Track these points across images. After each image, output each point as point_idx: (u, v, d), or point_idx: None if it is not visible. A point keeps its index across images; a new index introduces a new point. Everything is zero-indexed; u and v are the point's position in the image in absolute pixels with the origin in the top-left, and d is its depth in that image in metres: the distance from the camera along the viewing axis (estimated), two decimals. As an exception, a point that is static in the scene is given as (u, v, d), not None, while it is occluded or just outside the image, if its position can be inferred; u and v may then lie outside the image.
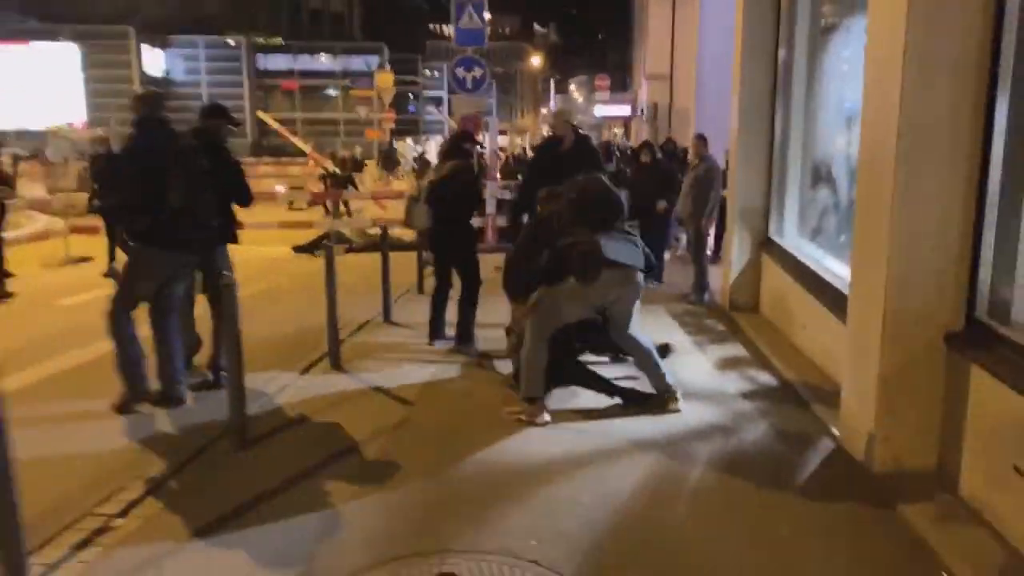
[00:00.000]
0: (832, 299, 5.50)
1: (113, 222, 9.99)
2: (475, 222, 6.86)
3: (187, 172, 4.77)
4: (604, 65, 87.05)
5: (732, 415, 4.88)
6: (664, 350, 5.83)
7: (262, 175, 27.77)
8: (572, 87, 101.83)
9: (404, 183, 26.11)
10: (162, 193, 4.65)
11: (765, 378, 5.70)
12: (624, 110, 34.21)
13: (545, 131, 76.78)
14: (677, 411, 4.84)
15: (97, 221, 10.77)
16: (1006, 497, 3.24)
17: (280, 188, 20.61)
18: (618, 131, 47.41)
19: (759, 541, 3.29)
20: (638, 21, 46.32)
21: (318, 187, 19.49)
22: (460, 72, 12.70)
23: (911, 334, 3.73)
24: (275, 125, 28.90)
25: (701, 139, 9.26)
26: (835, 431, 4.42)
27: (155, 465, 4.15)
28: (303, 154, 31.94)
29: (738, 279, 8.18)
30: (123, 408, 4.90)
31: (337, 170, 19.71)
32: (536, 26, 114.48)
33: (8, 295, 9.34)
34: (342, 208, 18.15)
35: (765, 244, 8.04)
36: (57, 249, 12.21)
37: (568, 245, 4.55)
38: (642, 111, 32.78)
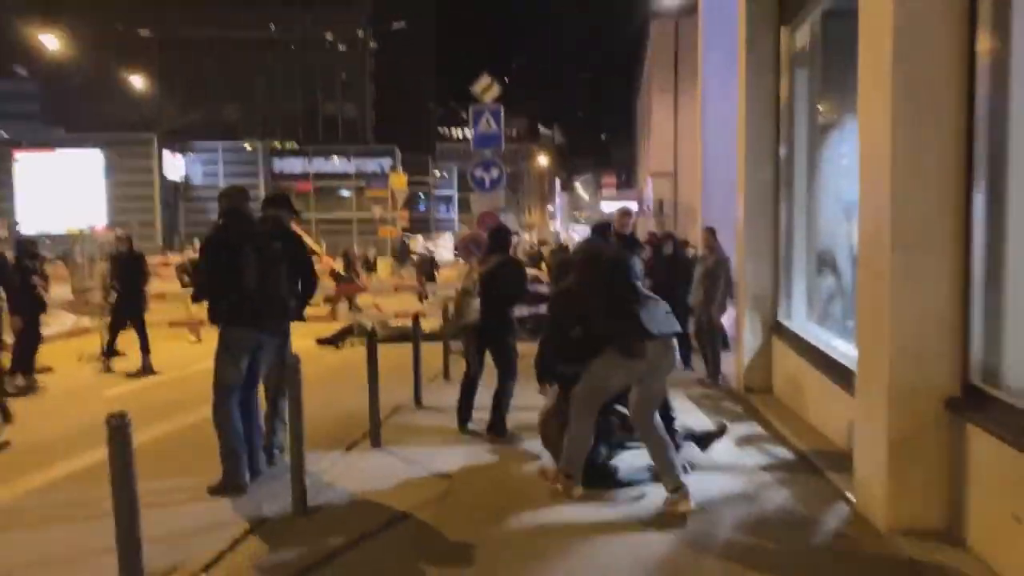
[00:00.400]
0: (841, 376, 5.89)
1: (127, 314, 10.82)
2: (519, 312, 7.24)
3: (261, 255, 5.19)
4: (608, 163, 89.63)
5: (753, 485, 5.20)
6: (720, 431, 5.96)
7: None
8: (577, 185, 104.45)
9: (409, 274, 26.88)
10: (241, 275, 5.08)
11: (782, 452, 6.03)
12: (631, 206, 35.17)
13: (553, 227, 78.04)
14: (684, 514, 4.60)
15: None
16: (1009, 546, 3.57)
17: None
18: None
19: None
20: (640, 121, 48.18)
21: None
22: (479, 173, 13.46)
23: (914, 402, 4.12)
24: (300, 233, 30.08)
25: (711, 232, 9.82)
26: (850, 496, 4.75)
27: (228, 529, 4.49)
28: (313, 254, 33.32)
29: (751, 362, 8.57)
30: (218, 492, 5.13)
31: (340, 271, 20.58)
32: (541, 128, 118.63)
33: (34, 388, 9.67)
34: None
35: (775, 328, 8.46)
36: (91, 344, 12.70)
37: (607, 321, 4.65)
38: (648, 207, 33.79)
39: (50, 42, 34.74)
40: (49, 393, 9.61)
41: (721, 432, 5.96)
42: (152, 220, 54.09)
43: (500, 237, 6.86)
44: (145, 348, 10.86)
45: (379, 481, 5.37)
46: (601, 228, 8.04)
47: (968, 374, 4.02)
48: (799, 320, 8.14)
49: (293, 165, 62.99)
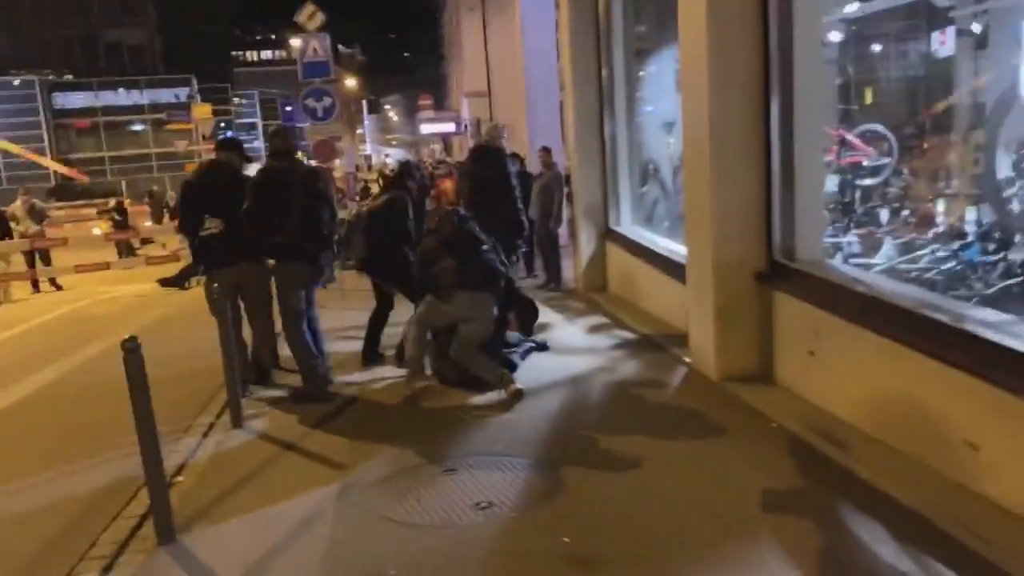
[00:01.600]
0: (668, 268, 7.08)
1: None
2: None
3: (308, 195, 5.68)
4: (416, 84, 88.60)
5: (608, 360, 6.30)
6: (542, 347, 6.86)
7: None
8: (387, 107, 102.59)
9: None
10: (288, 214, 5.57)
11: (626, 335, 7.17)
12: (448, 127, 35.71)
13: (364, 151, 76.71)
14: (519, 390, 5.44)
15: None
16: (806, 375, 4.85)
17: (97, 231, 20.75)
18: (436, 147, 48.98)
19: (644, 426, 4.69)
20: (448, 41, 48.20)
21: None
22: (311, 103, 13.56)
23: (732, 277, 5.30)
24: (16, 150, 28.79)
25: (546, 150, 10.76)
26: (687, 360, 5.95)
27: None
28: (114, 194, 31.64)
29: (588, 265, 9.72)
30: (302, 399, 5.73)
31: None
32: (341, 48, 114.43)
33: None
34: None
35: (607, 234, 9.62)
36: None
37: (437, 270, 5.70)
38: (466, 126, 34.45)
39: None
40: None
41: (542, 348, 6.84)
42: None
43: (402, 177, 6.91)
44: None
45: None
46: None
47: (772, 252, 5.22)
48: (627, 225, 9.33)
49: (76, 100, 57.53)
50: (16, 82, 55.04)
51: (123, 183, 40.08)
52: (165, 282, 13.62)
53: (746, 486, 3.81)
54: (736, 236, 5.27)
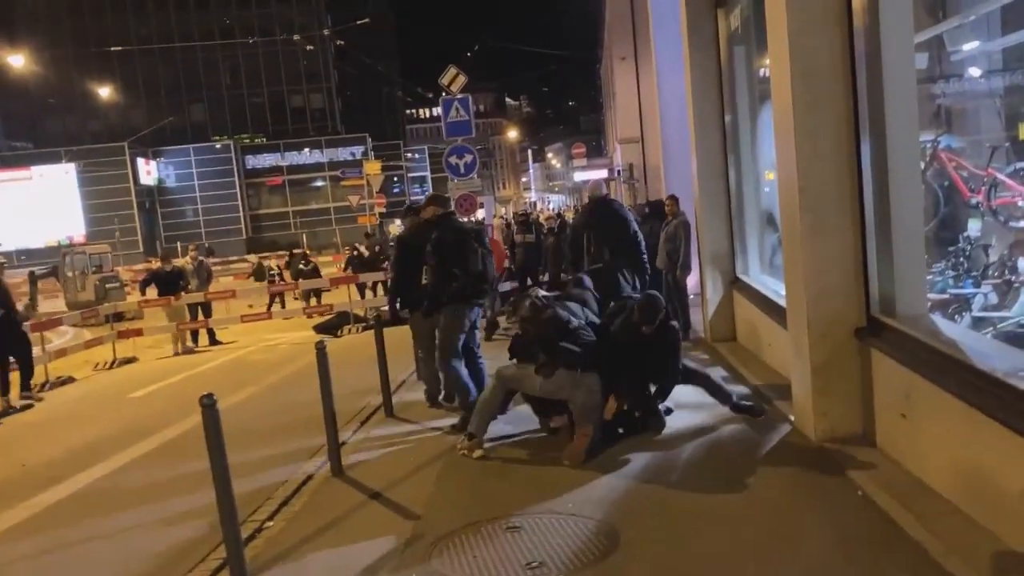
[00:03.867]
0: (783, 318, 6.79)
1: None
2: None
3: (482, 246, 6.63)
4: (577, 132, 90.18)
5: (713, 416, 6.10)
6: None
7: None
8: (549, 155, 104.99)
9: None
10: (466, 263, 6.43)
11: (740, 389, 6.93)
12: (602, 173, 36.02)
13: (529, 199, 78.61)
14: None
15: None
16: (901, 438, 4.51)
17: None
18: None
19: (727, 489, 4.53)
20: (605, 89, 48.87)
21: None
22: (453, 160, 14.25)
23: (829, 333, 5.04)
24: None
25: (673, 199, 10.68)
26: (791, 417, 5.69)
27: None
28: (297, 245, 34.17)
29: (715, 315, 9.49)
30: (460, 429, 6.15)
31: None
32: (508, 100, 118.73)
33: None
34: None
35: (734, 282, 9.37)
36: (104, 353, 13.49)
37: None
38: (619, 172, 34.64)
39: (15, 60, 34.89)
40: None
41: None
42: (133, 228, 54.32)
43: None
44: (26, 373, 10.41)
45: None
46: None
47: (870, 307, 4.93)
48: (754, 273, 9.05)
49: (265, 160, 63.19)
50: (218, 146, 61.36)
51: (303, 236, 43.33)
52: (320, 328, 14.63)
53: (811, 560, 3.61)
54: (833, 290, 5.02)
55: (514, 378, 5.85)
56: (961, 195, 6.00)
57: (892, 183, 4.74)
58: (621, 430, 5.86)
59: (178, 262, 16.14)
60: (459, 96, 14.42)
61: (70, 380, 11.83)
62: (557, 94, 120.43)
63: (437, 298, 6.51)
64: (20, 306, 10.60)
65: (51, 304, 21.81)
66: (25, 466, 7.15)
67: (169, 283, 14.05)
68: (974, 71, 6.36)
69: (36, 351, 12.12)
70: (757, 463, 5.04)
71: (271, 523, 4.79)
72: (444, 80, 14.84)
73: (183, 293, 14.08)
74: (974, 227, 6.59)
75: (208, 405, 3.59)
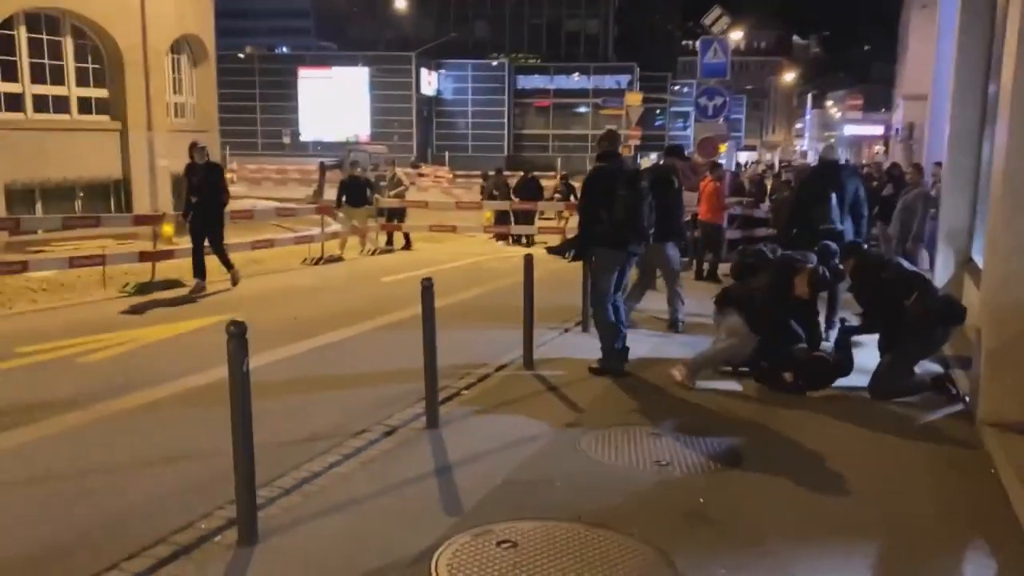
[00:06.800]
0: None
1: None
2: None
3: (629, 192, 6.30)
4: (866, 80, 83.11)
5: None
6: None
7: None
8: (829, 103, 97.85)
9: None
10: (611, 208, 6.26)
11: (935, 368, 6.82)
12: (876, 130, 33.52)
13: (800, 148, 74.17)
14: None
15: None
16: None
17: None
18: (878, 148, 45.69)
19: (873, 449, 4.85)
20: (902, 37, 44.54)
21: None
22: (703, 101, 14.43)
23: (1009, 320, 5.06)
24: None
25: (916, 167, 10.30)
26: (967, 397, 5.76)
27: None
28: (552, 168, 35.18)
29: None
30: (600, 371, 6.37)
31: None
32: (796, 38, 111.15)
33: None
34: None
35: (968, 262, 8.99)
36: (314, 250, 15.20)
37: None
38: (897, 131, 32.09)
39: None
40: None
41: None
42: (409, 134, 59.10)
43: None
44: (226, 263, 10.65)
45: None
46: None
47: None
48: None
49: (535, 82, 65.28)
50: (494, 63, 64.37)
51: (558, 160, 44.89)
52: (552, 250, 15.69)
53: (911, 519, 3.98)
54: (1017, 276, 5.02)
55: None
56: None
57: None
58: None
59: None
60: (719, 37, 14.47)
61: (340, 259, 13.91)
62: (851, 36, 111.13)
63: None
64: (310, 191, 12.41)
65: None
66: (297, 319, 8.86)
67: (356, 191, 15.10)
68: None
69: (315, 231, 14.37)
70: (908, 429, 5.26)
71: (467, 391, 5.87)
72: (707, 20, 14.92)
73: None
74: None
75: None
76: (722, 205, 11.94)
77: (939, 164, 10.23)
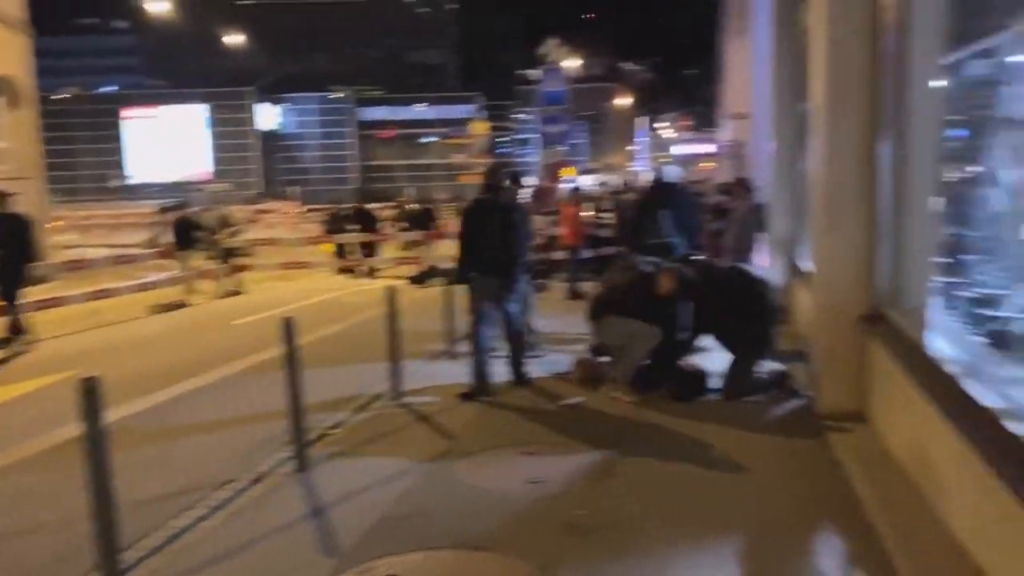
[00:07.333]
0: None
1: None
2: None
3: (501, 223, 6.58)
4: (691, 103, 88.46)
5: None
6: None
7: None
8: (663, 124, 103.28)
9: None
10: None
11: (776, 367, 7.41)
12: (707, 148, 35.76)
13: (633, 169, 77.83)
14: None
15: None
16: (891, 416, 5.04)
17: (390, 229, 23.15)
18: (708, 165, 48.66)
19: (723, 443, 5.18)
20: (721, 61, 47.78)
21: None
22: (547, 128, 14.96)
23: (837, 319, 5.57)
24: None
25: (740, 182, 11.10)
26: (810, 393, 6.24)
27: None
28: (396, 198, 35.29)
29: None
30: (469, 396, 6.49)
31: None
32: (629, 65, 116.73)
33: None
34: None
35: (795, 268, 9.76)
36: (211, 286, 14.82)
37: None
38: (725, 148, 34.29)
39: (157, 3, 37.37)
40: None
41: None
42: (253, 170, 57.37)
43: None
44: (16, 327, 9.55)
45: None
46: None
47: (874, 298, 5.43)
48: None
49: (379, 113, 65.17)
50: (337, 96, 63.76)
51: (405, 189, 44.88)
52: (414, 279, 15.69)
53: (763, 505, 4.28)
54: (840, 281, 5.55)
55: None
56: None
57: (907, 180, 5.16)
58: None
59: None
60: (555, 67, 15.10)
61: (184, 305, 13.30)
62: (679, 61, 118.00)
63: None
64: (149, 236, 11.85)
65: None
66: (147, 369, 8.38)
67: (185, 233, 14.42)
68: None
69: (157, 277, 13.70)
70: (760, 426, 5.65)
71: (336, 429, 5.80)
72: (544, 50, 15.51)
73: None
74: None
75: (288, 326, 4.36)
76: (581, 228, 12.59)
77: (740, 180, 11.13)
